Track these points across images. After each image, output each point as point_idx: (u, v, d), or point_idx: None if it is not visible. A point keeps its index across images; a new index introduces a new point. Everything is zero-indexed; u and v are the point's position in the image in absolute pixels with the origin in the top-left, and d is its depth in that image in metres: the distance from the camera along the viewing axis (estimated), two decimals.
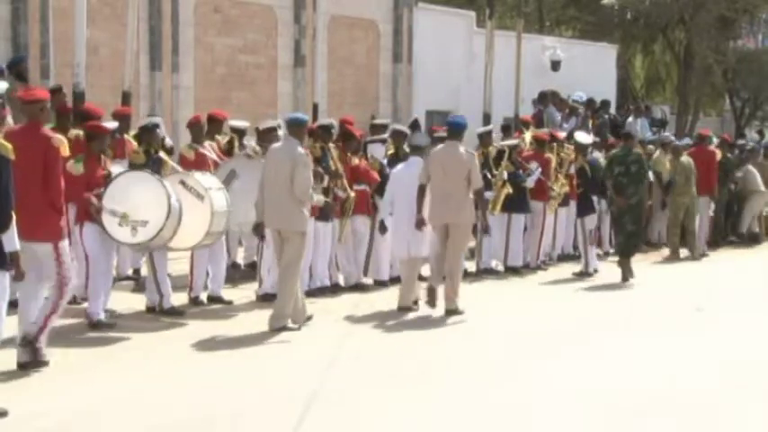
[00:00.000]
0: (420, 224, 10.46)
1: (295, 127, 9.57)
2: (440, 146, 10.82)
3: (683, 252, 16.18)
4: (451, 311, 10.35)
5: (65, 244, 7.71)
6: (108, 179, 9.12)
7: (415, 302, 10.64)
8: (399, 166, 11.17)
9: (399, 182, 10.79)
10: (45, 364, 7.61)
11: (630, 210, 13.41)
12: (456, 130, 10.72)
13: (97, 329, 9.11)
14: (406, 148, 12.29)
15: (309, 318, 9.69)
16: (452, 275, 10.47)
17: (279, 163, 9.35)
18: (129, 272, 11.59)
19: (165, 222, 8.93)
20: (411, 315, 10.49)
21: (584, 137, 14.64)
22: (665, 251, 16.51)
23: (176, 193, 9.28)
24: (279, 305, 9.35)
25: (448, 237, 10.44)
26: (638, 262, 14.03)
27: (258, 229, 9.71)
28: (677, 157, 16.26)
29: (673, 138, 18.34)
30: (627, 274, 13.22)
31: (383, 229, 11.40)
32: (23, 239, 7.02)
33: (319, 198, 9.97)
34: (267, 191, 9.45)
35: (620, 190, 13.35)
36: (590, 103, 19.53)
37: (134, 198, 8.98)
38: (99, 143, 9.23)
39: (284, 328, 9.27)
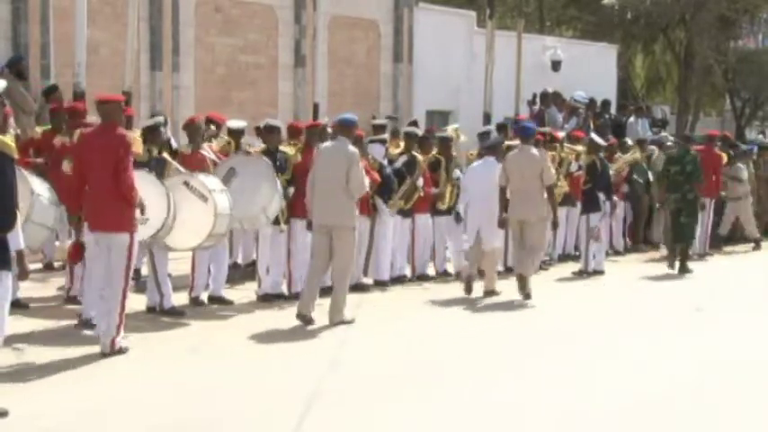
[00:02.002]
0: (503, 224, 11.69)
1: (344, 127, 10.06)
2: (514, 150, 11.88)
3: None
4: (528, 296, 11.48)
5: (136, 236, 8.33)
6: None
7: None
8: (475, 164, 12.35)
9: (475, 179, 11.92)
10: (125, 351, 8.23)
11: (687, 205, 14.62)
12: (527, 134, 11.88)
13: (86, 328, 9.13)
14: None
15: (352, 321, 9.95)
16: (526, 265, 11.56)
17: (331, 162, 9.79)
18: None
19: (166, 220, 8.96)
20: (411, 316, 10.51)
21: (598, 137, 14.87)
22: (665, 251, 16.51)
23: (179, 194, 9.33)
24: (336, 299, 9.86)
25: (523, 232, 11.62)
26: (637, 262, 14.04)
27: (309, 227, 10.18)
28: None
29: (671, 138, 18.35)
30: (684, 266, 14.34)
31: (458, 218, 12.49)
32: (100, 231, 8.16)
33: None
34: (318, 189, 9.85)
35: (676, 187, 14.59)
36: (591, 103, 19.51)
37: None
38: None
39: (342, 322, 9.74)
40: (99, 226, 8.27)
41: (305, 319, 9.75)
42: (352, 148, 9.91)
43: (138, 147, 8.25)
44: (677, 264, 14.40)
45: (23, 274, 6.73)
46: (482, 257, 11.80)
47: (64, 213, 9.64)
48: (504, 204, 11.60)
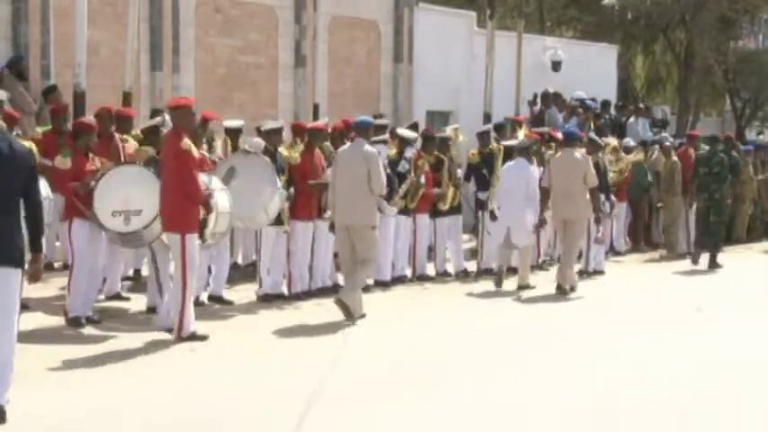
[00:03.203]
0: (543, 223, 12.60)
1: (361, 128, 10.45)
2: (559, 153, 12.78)
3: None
4: (563, 288, 12.02)
5: (193, 236, 8.78)
6: (98, 174, 9.31)
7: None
8: (508, 165, 12.85)
9: (507, 179, 12.62)
10: (205, 338, 8.79)
11: (715, 204, 15.35)
12: (571, 138, 12.71)
13: (75, 326, 9.15)
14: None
15: (363, 315, 10.12)
16: (566, 259, 12.29)
17: (351, 163, 10.17)
18: (130, 272, 11.59)
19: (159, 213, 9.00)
20: (412, 316, 10.51)
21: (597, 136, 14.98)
22: (665, 251, 16.54)
23: None
24: (352, 284, 10.16)
25: (566, 230, 12.36)
26: (638, 262, 14.05)
27: (332, 228, 10.59)
28: (668, 157, 16.41)
29: (670, 138, 18.37)
30: (713, 263, 14.96)
31: (493, 217, 12.89)
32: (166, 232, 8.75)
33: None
34: (339, 190, 10.20)
35: (704, 188, 15.32)
36: (594, 105, 19.50)
37: (128, 189, 9.08)
38: (85, 139, 9.45)
39: (349, 313, 9.95)
40: (164, 227, 8.87)
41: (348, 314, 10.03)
42: (370, 148, 10.27)
43: (193, 150, 8.83)
44: (701, 260, 14.99)
45: (36, 276, 6.63)
46: (510, 254, 12.58)
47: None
48: (545, 204, 12.44)
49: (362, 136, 10.38)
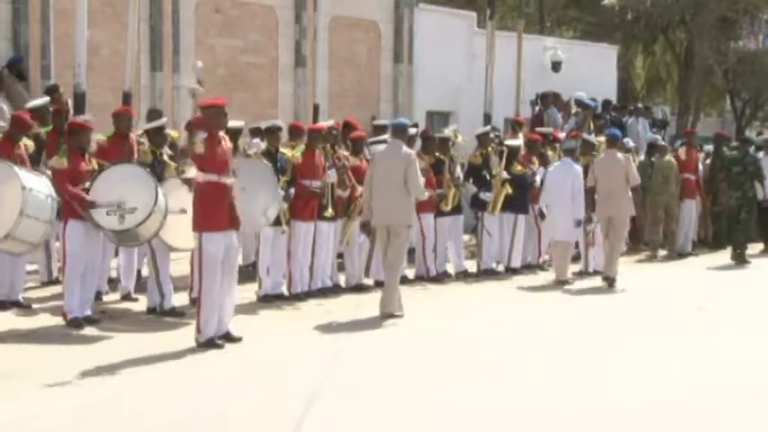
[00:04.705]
0: (589, 220, 13.42)
1: (398, 131, 10.73)
2: (602, 154, 13.61)
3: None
4: (611, 279, 12.82)
5: (210, 236, 8.63)
6: (94, 173, 9.34)
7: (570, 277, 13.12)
8: (555, 165, 13.62)
9: (554, 178, 13.29)
10: (221, 346, 8.63)
11: (747, 202, 16.15)
12: (615, 139, 13.53)
13: (74, 327, 9.14)
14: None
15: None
16: (612, 254, 12.97)
17: (389, 164, 10.40)
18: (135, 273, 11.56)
19: (153, 208, 8.98)
20: (412, 316, 10.50)
21: (592, 137, 15.18)
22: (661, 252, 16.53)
23: (181, 194, 9.35)
24: (388, 292, 10.33)
25: (610, 226, 13.01)
26: (637, 263, 14.03)
27: (366, 227, 10.86)
28: (662, 157, 16.45)
29: (661, 141, 18.35)
30: (742, 257, 15.71)
31: (543, 216, 13.54)
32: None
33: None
34: (377, 190, 10.40)
35: (738, 186, 16.08)
36: (594, 105, 19.48)
37: (123, 188, 9.10)
38: (79, 138, 9.44)
39: (392, 315, 10.17)
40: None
41: (388, 317, 10.20)
42: (408, 150, 10.60)
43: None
44: (737, 254, 15.75)
45: None
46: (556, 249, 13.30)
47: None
48: (591, 203, 13.17)
49: (399, 138, 10.65)
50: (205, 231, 8.56)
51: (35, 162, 10.39)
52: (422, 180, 10.65)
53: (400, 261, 10.54)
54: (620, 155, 13.28)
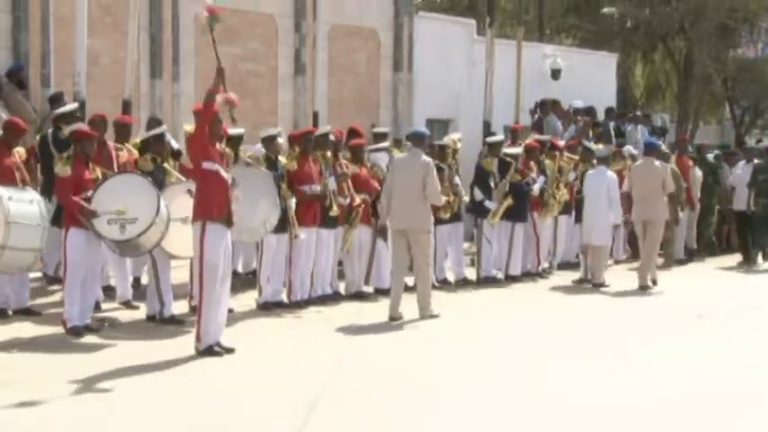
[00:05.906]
0: (626, 224, 14.33)
1: (418, 139, 11.16)
2: (639, 161, 14.38)
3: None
4: (645, 287, 13.33)
5: (212, 238, 8.59)
6: (97, 182, 9.32)
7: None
8: (590, 173, 14.05)
9: (590, 185, 13.77)
10: (220, 354, 8.60)
11: None
12: (652, 148, 14.20)
13: (74, 335, 9.14)
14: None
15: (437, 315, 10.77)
16: (648, 258, 13.54)
17: (407, 171, 10.81)
18: (129, 279, 11.56)
19: (155, 218, 8.98)
20: (412, 322, 10.51)
21: (593, 144, 15.47)
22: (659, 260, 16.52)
23: (182, 202, 9.35)
24: (422, 296, 10.79)
25: (646, 230, 13.58)
26: (632, 270, 13.98)
27: (383, 231, 11.53)
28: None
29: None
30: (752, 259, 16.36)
31: (579, 220, 14.26)
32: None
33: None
34: (395, 196, 10.77)
35: (764, 193, 16.43)
36: (589, 111, 19.51)
37: (124, 198, 9.08)
38: (84, 146, 9.41)
39: (431, 316, 10.67)
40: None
41: (396, 320, 10.55)
42: (427, 158, 10.97)
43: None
44: (757, 259, 16.43)
45: None
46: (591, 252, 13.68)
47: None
48: (628, 207, 13.83)
49: (418, 146, 11.04)
50: (208, 221, 8.50)
51: (31, 170, 10.40)
52: (439, 187, 10.97)
53: (427, 264, 10.92)
54: (657, 162, 13.71)
